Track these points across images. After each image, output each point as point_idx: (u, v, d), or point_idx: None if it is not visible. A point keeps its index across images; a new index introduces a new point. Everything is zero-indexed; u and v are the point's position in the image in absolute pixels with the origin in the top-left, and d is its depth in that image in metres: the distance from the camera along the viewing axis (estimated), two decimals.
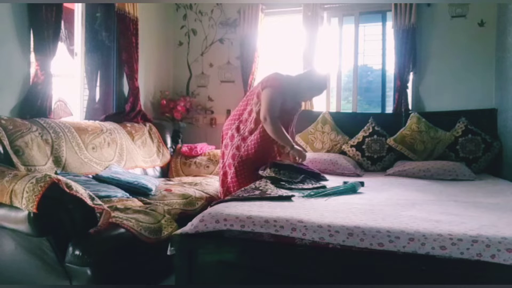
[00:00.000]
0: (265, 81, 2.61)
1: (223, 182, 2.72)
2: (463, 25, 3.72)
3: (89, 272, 1.76)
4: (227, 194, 2.58)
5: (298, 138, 3.70)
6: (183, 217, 2.35)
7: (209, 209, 1.72)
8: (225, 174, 2.71)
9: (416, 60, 3.77)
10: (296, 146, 2.61)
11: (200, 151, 3.82)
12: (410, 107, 3.79)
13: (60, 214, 1.80)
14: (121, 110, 3.61)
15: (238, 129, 2.71)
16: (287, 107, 2.65)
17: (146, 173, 3.35)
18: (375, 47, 4.44)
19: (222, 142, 2.81)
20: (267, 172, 2.43)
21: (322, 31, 4.04)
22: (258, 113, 2.61)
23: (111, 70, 3.65)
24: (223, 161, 2.75)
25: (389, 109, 4.06)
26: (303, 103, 2.98)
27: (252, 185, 2.25)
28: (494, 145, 3.39)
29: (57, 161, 2.53)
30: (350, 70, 4.29)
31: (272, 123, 2.49)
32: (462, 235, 1.37)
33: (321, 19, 4.04)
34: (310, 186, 2.31)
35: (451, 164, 3.10)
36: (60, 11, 2.76)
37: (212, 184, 3.17)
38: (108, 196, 2.36)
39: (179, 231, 1.66)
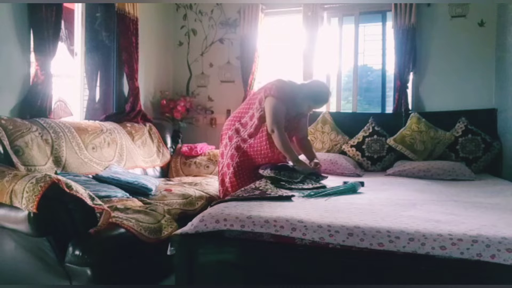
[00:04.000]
0: (268, 88, 2.58)
1: (222, 182, 2.73)
2: (463, 25, 3.72)
3: (89, 272, 1.76)
4: (226, 194, 2.59)
5: None
6: (183, 217, 2.35)
7: (209, 209, 1.72)
8: (224, 174, 2.71)
9: (416, 60, 3.77)
10: (301, 160, 2.56)
11: (200, 151, 3.82)
12: (410, 107, 3.78)
13: (60, 214, 1.80)
14: (121, 110, 3.61)
15: (237, 131, 2.71)
16: (289, 116, 2.63)
17: (146, 173, 3.35)
18: (375, 47, 4.44)
19: (221, 142, 2.81)
20: (267, 172, 2.43)
21: (322, 31, 4.04)
22: (259, 119, 2.60)
23: (111, 70, 3.65)
24: (222, 161, 2.75)
25: (389, 109, 4.06)
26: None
27: (252, 185, 2.25)
28: (494, 145, 3.39)
29: (57, 161, 2.53)
30: (350, 70, 4.29)
31: (280, 135, 2.48)
32: (462, 235, 1.38)
33: (321, 19, 4.04)
34: (310, 186, 2.31)
35: (451, 164, 3.10)
36: (60, 11, 2.75)
37: (212, 184, 3.17)
38: (108, 196, 2.36)
39: (179, 231, 1.66)
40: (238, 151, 2.65)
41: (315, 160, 2.71)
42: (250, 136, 2.63)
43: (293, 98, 2.59)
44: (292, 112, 2.65)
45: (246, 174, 2.64)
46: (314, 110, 2.82)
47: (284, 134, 2.52)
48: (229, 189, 2.63)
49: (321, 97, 2.60)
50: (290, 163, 2.60)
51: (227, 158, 2.70)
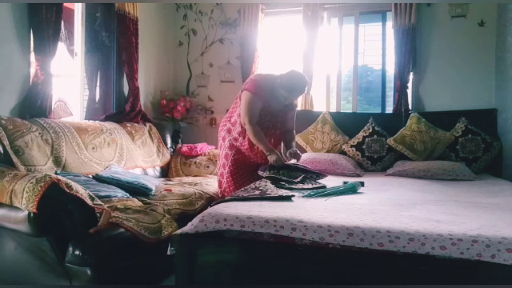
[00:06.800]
0: (245, 83, 2.65)
1: (220, 183, 2.75)
2: (463, 25, 3.72)
3: (89, 272, 1.76)
4: (224, 195, 2.60)
5: (298, 138, 3.70)
6: (183, 217, 2.35)
7: (209, 209, 1.72)
8: (221, 175, 2.74)
9: (416, 60, 3.77)
10: (274, 150, 2.52)
11: (200, 151, 3.82)
12: (410, 107, 3.78)
13: (60, 214, 1.80)
14: (121, 110, 3.60)
15: (229, 130, 2.75)
16: (272, 109, 2.63)
17: (146, 173, 3.35)
18: (375, 47, 4.44)
19: (218, 144, 2.84)
20: (267, 172, 2.44)
21: (322, 31, 4.04)
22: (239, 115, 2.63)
23: (111, 70, 3.65)
24: (219, 162, 2.78)
25: (389, 109, 4.06)
26: (296, 104, 2.85)
27: (252, 185, 2.25)
28: (494, 145, 3.39)
29: (57, 161, 2.53)
30: (350, 70, 4.29)
31: (252, 127, 2.52)
32: (462, 235, 1.38)
33: (321, 19, 4.04)
34: (310, 186, 2.32)
35: (451, 164, 3.10)
36: (60, 11, 2.76)
37: (212, 184, 3.17)
38: (108, 196, 2.36)
39: (179, 231, 1.66)
40: (232, 149, 2.68)
41: (291, 150, 2.62)
42: (240, 134, 2.65)
43: (272, 91, 2.59)
44: (276, 105, 2.64)
45: (242, 173, 2.65)
46: (293, 100, 2.72)
47: (256, 126, 2.54)
48: (227, 189, 2.65)
49: (295, 86, 2.54)
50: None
51: (222, 158, 2.73)
